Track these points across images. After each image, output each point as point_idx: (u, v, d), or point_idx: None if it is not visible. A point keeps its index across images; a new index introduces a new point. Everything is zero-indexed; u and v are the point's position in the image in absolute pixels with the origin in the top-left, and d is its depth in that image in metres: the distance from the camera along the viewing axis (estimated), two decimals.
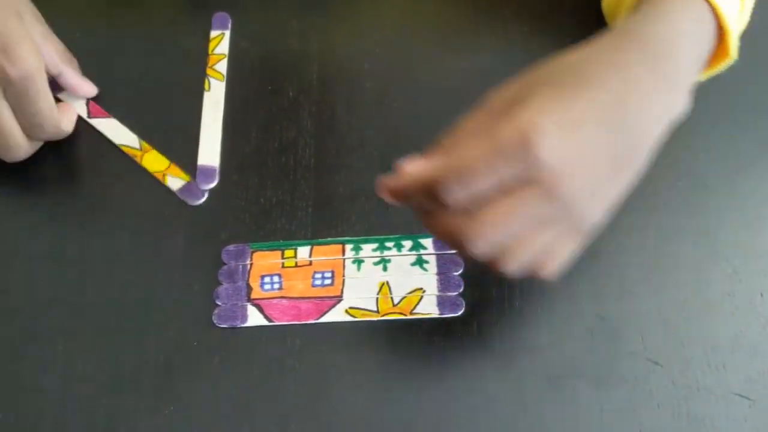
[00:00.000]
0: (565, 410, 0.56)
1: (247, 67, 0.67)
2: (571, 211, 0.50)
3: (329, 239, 0.61)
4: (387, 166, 0.63)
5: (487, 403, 0.56)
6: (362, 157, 0.64)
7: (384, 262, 0.60)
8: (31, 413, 0.57)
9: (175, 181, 0.63)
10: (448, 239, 0.51)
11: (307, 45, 0.68)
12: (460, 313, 0.59)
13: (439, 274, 0.60)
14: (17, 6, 0.62)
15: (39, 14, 0.65)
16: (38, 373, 0.58)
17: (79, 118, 0.66)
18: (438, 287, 0.59)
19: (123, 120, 0.66)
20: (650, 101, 0.52)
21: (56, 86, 0.66)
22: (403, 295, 0.59)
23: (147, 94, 0.67)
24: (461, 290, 0.59)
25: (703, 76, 0.59)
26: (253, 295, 0.60)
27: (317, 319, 0.59)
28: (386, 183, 0.52)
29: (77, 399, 0.57)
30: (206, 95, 0.67)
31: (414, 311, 0.59)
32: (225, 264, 0.61)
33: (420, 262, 0.60)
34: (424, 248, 0.61)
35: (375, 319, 0.59)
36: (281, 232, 0.62)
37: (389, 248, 0.61)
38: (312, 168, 0.63)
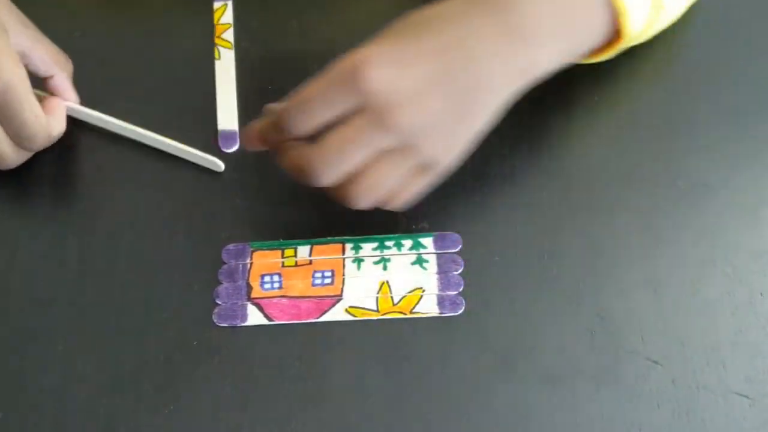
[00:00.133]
0: (564, 409, 0.56)
1: (248, 67, 0.67)
2: (410, 145, 0.53)
3: (329, 238, 0.61)
4: None
5: (487, 402, 0.56)
6: None
7: (384, 261, 0.60)
8: (31, 413, 0.57)
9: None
10: (296, 172, 0.55)
11: (307, 45, 0.68)
12: (460, 312, 0.58)
13: (439, 273, 0.60)
14: None
15: (25, 18, 0.63)
16: (38, 373, 0.58)
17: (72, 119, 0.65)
18: (438, 286, 0.59)
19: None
20: (490, 48, 0.54)
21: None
22: (403, 294, 0.59)
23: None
24: (461, 289, 0.59)
25: (604, 55, 0.61)
26: (253, 295, 0.60)
27: (317, 318, 0.59)
28: (247, 129, 0.58)
29: (77, 399, 0.57)
30: (217, 63, 0.68)
31: (414, 310, 0.59)
32: (225, 263, 0.61)
33: (420, 261, 0.60)
34: (424, 247, 0.61)
35: (375, 318, 0.59)
36: (281, 232, 0.62)
37: (389, 247, 0.61)
38: None
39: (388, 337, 0.58)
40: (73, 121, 0.65)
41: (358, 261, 0.60)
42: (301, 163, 0.55)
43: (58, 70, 0.64)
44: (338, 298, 0.59)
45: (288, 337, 0.58)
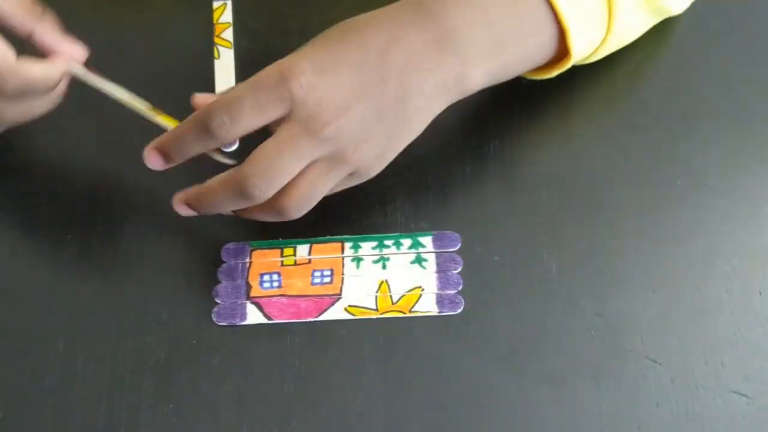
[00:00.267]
0: (563, 408, 0.56)
1: (247, 66, 0.67)
2: (338, 152, 0.53)
3: (328, 237, 0.61)
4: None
5: (487, 402, 0.56)
6: None
7: (383, 260, 0.61)
8: (31, 413, 0.57)
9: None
10: (231, 190, 0.54)
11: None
12: (459, 311, 0.59)
13: (438, 272, 0.60)
14: None
15: None
16: (38, 373, 0.58)
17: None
18: (437, 285, 0.59)
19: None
20: (416, 59, 0.54)
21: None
22: (402, 293, 0.59)
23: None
24: (460, 288, 0.59)
25: (552, 72, 0.61)
26: (253, 294, 0.60)
27: (316, 317, 0.59)
28: (156, 141, 0.56)
29: (77, 399, 0.57)
30: (217, 63, 0.68)
31: (413, 309, 0.59)
32: (224, 262, 0.61)
33: (419, 260, 0.60)
34: (423, 246, 0.61)
35: (374, 317, 0.59)
36: (281, 231, 0.62)
37: (388, 246, 0.61)
38: None
39: (387, 336, 0.58)
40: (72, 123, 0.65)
41: (358, 260, 0.60)
42: (234, 180, 0.54)
43: (37, 23, 0.57)
44: (337, 297, 0.59)
45: (287, 336, 0.58)
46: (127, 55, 0.68)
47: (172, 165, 0.56)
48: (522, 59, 0.59)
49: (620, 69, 0.65)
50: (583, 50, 0.59)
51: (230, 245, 0.61)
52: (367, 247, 0.61)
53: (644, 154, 0.63)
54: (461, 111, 0.65)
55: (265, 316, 0.59)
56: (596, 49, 0.61)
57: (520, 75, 0.61)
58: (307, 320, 0.59)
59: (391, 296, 0.59)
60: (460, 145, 0.64)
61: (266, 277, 0.60)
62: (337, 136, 0.53)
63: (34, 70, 0.55)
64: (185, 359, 0.58)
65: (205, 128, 0.53)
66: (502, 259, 0.60)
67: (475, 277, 0.60)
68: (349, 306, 0.59)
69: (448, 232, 0.61)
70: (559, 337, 0.58)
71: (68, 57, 0.58)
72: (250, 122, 0.53)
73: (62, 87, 0.59)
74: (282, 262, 0.61)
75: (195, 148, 0.55)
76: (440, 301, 0.59)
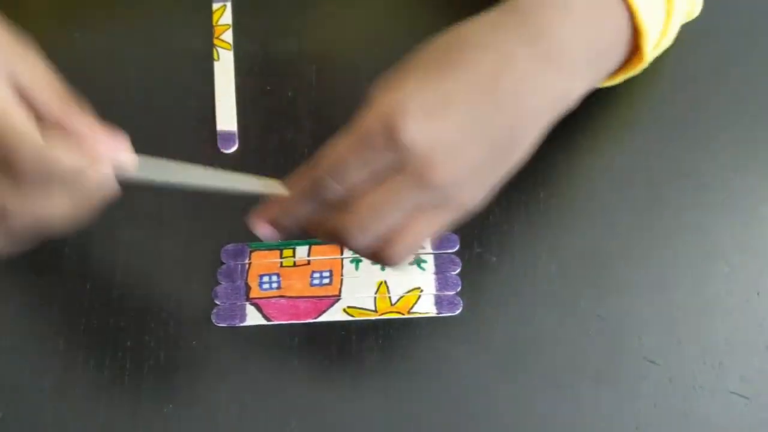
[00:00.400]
0: (562, 408, 0.56)
1: (247, 68, 0.68)
2: (447, 197, 0.49)
3: None
4: None
5: (485, 402, 0.56)
6: None
7: None
8: (31, 413, 0.57)
9: None
10: (330, 238, 0.50)
11: (305, 45, 0.68)
12: (457, 312, 0.59)
13: (436, 273, 0.60)
14: None
15: (27, 47, 0.50)
16: (38, 373, 0.58)
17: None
18: (436, 286, 0.60)
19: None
20: (529, 81, 0.50)
21: None
22: (401, 294, 0.60)
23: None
24: (459, 289, 0.59)
25: (618, 79, 0.58)
26: (252, 295, 0.60)
27: (315, 318, 0.59)
28: (263, 210, 0.51)
29: (77, 399, 0.57)
30: (216, 65, 0.68)
31: (412, 310, 0.59)
32: (224, 263, 0.61)
33: (418, 261, 0.60)
34: (422, 247, 0.61)
35: (373, 318, 0.59)
36: None
37: None
38: None
39: (386, 337, 0.58)
40: None
41: (356, 261, 0.61)
42: (335, 229, 0.49)
43: (70, 115, 0.49)
44: (336, 298, 0.60)
45: (286, 337, 0.59)
46: (126, 56, 0.68)
47: (284, 234, 0.52)
48: (610, 67, 0.55)
49: None
50: (652, 50, 0.56)
51: (229, 246, 0.61)
52: None
53: (643, 154, 0.63)
54: None
55: (265, 317, 0.59)
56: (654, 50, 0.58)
57: None
58: (306, 321, 0.59)
59: (389, 297, 0.59)
60: None
61: (265, 279, 0.60)
62: (447, 183, 0.48)
63: (64, 156, 0.47)
64: (185, 360, 0.58)
65: (314, 196, 0.49)
66: (501, 259, 0.60)
67: (474, 278, 0.60)
68: (348, 307, 0.59)
69: (446, 233, 0.61)
70: (558, 337, 0.58)
71: (109, 148, 0.49)
72: (359, 180, 0.48)
73: (102, 188, 0.49)
74: (281, 263, 0.61)
75: (305, 215, 0.51)
76: (439, 302, 0.59)
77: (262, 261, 0.61)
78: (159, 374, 0.58)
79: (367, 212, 0.48)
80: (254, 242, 0.61)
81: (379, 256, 0.50)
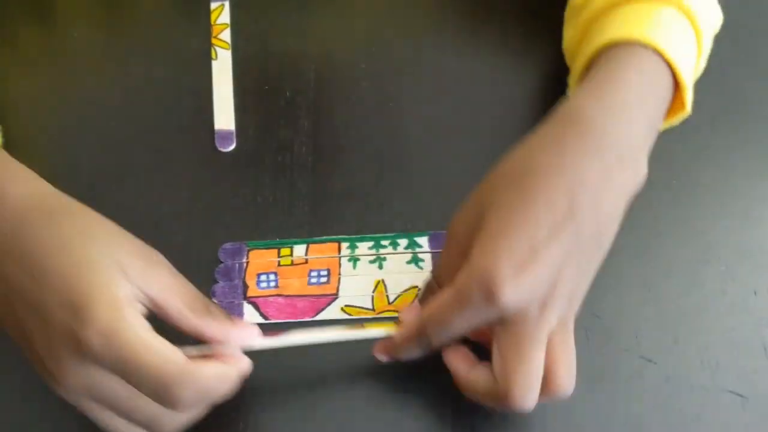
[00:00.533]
0: (559, 407, 0.56)
1: (245, 67, 0.68)
2: (559, 322, 0.51)
3: (325, 237, 0.62)
4: (383, 165, 0.64)
5: None
6: (359, 157, 0.64)
7: (380, 260, 0.61)
8: (31, 413, 0.57)
9: None
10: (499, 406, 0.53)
11: (304, 45, 0.68)
12: None
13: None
14: (117, 255, 0.50)
15: (156, 257, 0.52)
16: (38, 374, 0.58)
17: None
18: None
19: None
20: (604, 192, 0.51)
21: None
22: (399, 293, 0.60)
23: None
24: None
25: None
26: (250, 293, 0.60)
27: (313, 316, 0.59)
28: (384, 343, 0.55)
29: None
30: (214, 64, 0.68)
31: None
32: (221, 262, 0.61)
33: (415, 260, 0.61)
34: (420, 246, 0.61)
35: (370, 316, 0.59)
36: (278, 231, 0.62)
37: (385, 246, 0.61)
38: (309, 167, 0.64)
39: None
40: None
41: (354, 260, 0.61)
42: (509, 403, 0.52)
43: (201, 318, 0.51)
44: (334, 296, 0.60)
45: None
46: (124, 56, 0.68)
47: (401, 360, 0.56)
48: (660, 126, 0.57)
49: None
50: (690, 96, 0.57)
51: (227, 245, 0.62)
52: (363, 247, 0.61)
53: None
54: (459, 112, 0.65)
55: (262, 315, 0.59)
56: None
57: None
58: (304, 320, 0.59)
59: (387, 296, 0.60)
60: (457, 146, 0.64)
61: (263, 277, 0.60)
62: (552, 320, 0.50)
63: (208, 370, 0.49)
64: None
65: (422, 343, 0.53)
66: None
67: None
68: (346, 306, 0.59)
69: (444, 232, 0.61)
70: None
71: (244, 340, 0.52)
72: (461, 332, 0.52)
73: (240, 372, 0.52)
74: (279, 262, 0.61)
75: (415, 354, 0.54)
76: None
77: (259, 260, 0.61)
78: None
79: (522, 381, 0.50)
80: (252, 241, 0.61)
81: (552, 395, 0.52)
